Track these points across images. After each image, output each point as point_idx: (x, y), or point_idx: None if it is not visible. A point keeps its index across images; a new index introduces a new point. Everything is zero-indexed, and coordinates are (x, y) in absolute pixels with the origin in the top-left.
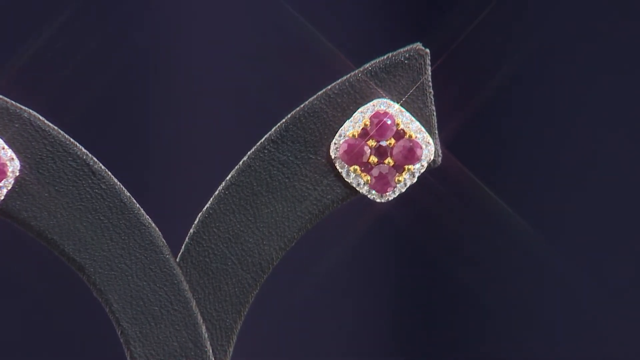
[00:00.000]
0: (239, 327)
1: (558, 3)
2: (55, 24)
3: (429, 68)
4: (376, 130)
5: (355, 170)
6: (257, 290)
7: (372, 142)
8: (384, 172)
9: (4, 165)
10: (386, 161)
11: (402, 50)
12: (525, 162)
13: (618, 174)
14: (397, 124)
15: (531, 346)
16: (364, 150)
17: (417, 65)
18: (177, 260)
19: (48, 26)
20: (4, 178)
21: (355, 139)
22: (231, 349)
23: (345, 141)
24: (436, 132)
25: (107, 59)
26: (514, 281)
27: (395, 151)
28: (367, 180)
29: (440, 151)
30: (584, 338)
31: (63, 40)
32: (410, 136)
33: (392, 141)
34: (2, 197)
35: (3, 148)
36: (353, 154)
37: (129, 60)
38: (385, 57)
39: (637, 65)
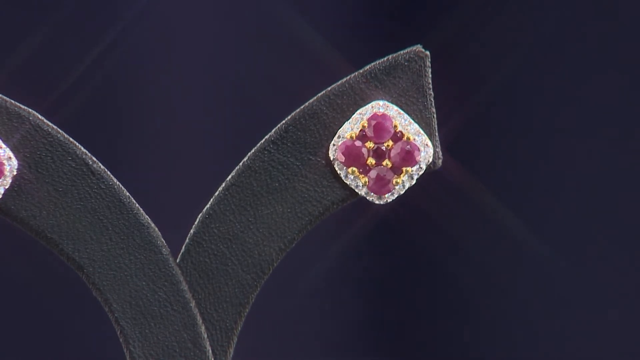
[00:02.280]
0: (239, 328)
1: (558, 4)
2: (55, 22)
3: (429, 70)
4: (374, 132)
5: (353, 172)
6: (257, 291)
7: (370, 144)
8: (381, 174)
9: (1, 164)
10: (384, 163)
11: (402, 52)
12: (526, 164)
13: (619, 175)
14: (395, 126)
15: (531, 347)
16: (361, 152)
17: (417, 67)
18: (178, 260)
19: (48, 25)
20: (2, 177)
21: (353, 140)
22: (231, 350)
23: (343, 143)
24: (437, 134)
25: (108, 58)
26: (514, 283)
27: (393, 153)
28: (365, 182)
29: (440, 154)
30: (583, 340)
31: (62, 38)
32: (408, 138)
33: (390, 143)
34: (0, 196)
35: (0, 147)
36: (351, 156)
37: (131, 59)
38: (385, 59)
39: (638, 67)
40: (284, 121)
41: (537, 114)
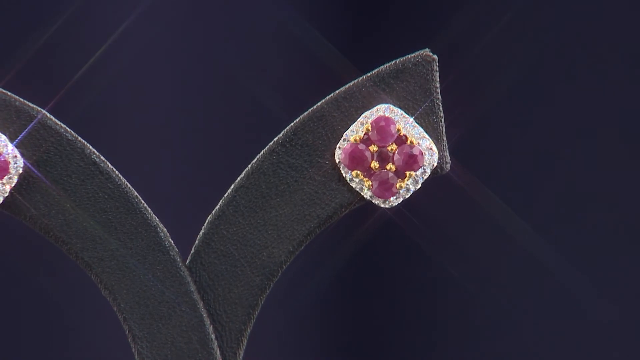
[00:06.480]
0: (249, 330)
1: (563, 8)
2: (63, 19)
3: (437, 74)
4: (377, 135)
5: (357, 175)
6: (266, 293)
7: (373, 148)
8: (385, 178)
9: (7, 163)
10: (388, 167)
11: (410, 56)
12: (531, 167)
13: (623, 177)
14: (399, 130)
15: (535, 350)
16: (365, 155)
17: (425, 71)
18: (188, 262)
19: (58, 23)
20: (7, 175)
21: (357, 143)
22: (241, 352)
23: (347, 146)
24: (444, 138)
25: (118, 57)
26: (517, 285)
27: (396, 157)
28: (370, 186)
29: (448, 158)
30: (588, 346)
31: (71, 36)
32: (411, 142)
33: (394, 147)
34: (7, 194)
35: (6, 145)
36: (354, 159)
37: (139, 59)
38: (393, 62)
39: None
40: (292, 124)
41: (543, 117)
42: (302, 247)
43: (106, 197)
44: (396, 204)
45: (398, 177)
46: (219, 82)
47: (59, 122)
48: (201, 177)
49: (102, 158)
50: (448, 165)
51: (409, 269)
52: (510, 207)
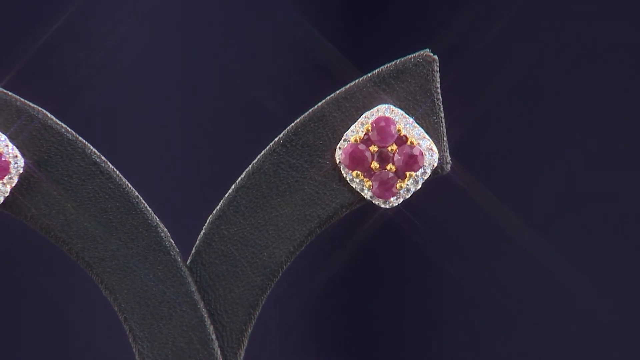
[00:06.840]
0: (249, 330)
1: (563, 8)
2: (65, 19)
3: (437, 74)
4: (377, 136)
5: (357, 176)
6: (267, 293)
7: (373, 148)
8: (385, 178)
9: (7, 162)
10: (388, 167)
11: (410, 56)
12: (532, 168)
13: (624, 178)
14: (399, 130)
15: (535, 351)
16: (365, 155)
17: (425, 71)
18: (188, 262)
19: (54, 24)
20: (7, 175)
21: (357, 144)
22: (242, 352)
23: (348, 146)
24: (445, 139)
25: (114, 57)
26: (517, 285)
27: (396, 157)
28: (370, 186)
29: (449, 158)
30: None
31: (73, 36)
32: (412, 142)
33: (394, 147)
34: (7, 194)
35: (7, 145)
36: (355, 159)
37: (142, 59)
38: (393, 62)
39: None
40: (293, 124)
41: (543, 117)
42: (303, 248)
43: (107, 197)
44: (396, 204)
45: (398, 178)
46: (219, 82)
47: (59, 122)
48: (201, 177)
49: (103, 158)
50: (448, 166)
51: (409, 269)
52: (510, 207)
